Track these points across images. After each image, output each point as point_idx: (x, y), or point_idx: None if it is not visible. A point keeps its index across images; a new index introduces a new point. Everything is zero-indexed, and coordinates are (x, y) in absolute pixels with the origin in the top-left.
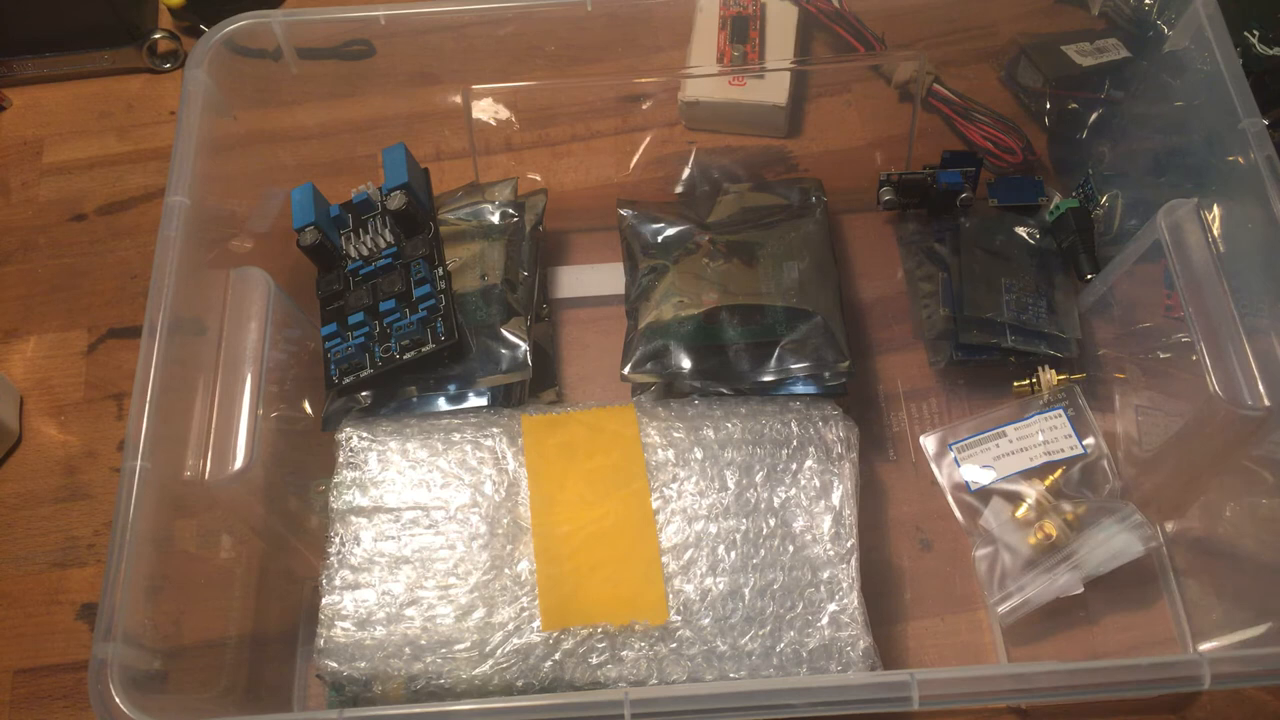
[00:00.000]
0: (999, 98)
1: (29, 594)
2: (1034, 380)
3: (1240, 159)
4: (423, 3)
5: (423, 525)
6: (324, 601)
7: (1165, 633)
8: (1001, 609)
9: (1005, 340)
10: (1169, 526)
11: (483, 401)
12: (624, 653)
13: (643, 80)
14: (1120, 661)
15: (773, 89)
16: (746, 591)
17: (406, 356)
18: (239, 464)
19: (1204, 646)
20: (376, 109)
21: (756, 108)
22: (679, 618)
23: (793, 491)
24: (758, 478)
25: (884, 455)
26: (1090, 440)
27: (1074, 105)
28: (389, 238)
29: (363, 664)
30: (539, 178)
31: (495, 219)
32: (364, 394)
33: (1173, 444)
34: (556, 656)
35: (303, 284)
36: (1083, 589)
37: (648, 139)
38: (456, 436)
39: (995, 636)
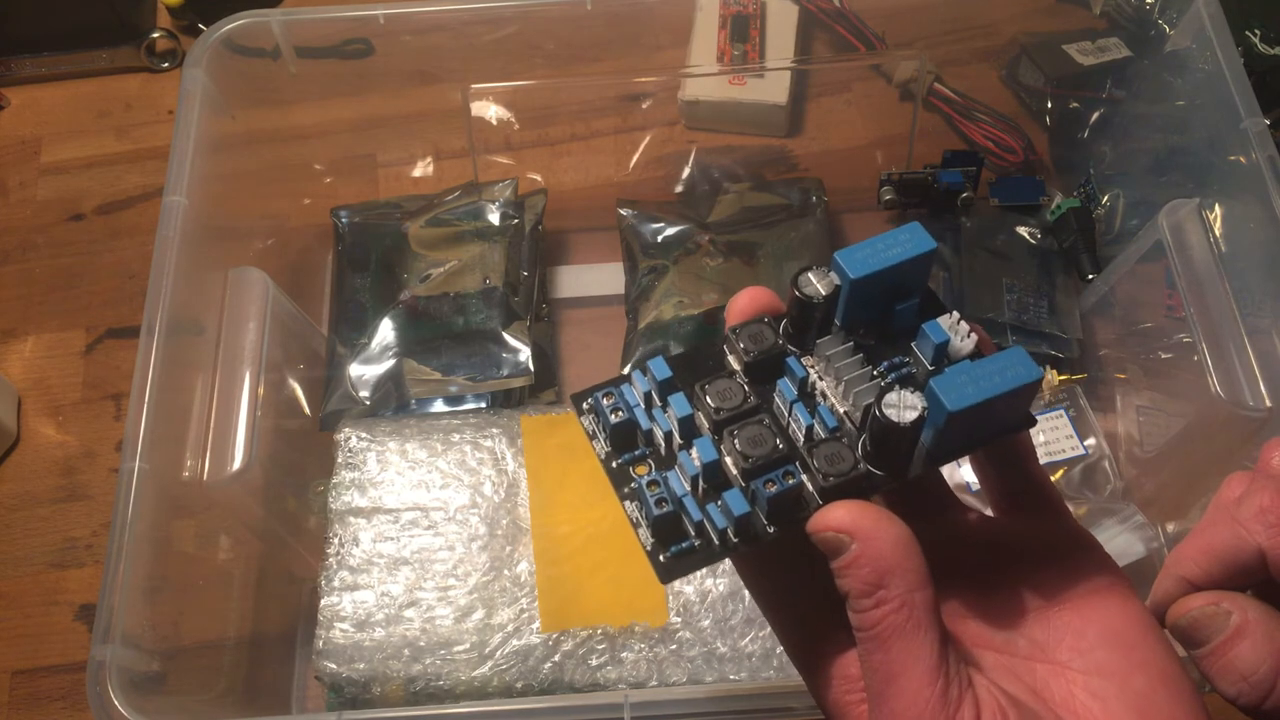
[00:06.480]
0: (1000, 97)
1: (27, 595)
2: None
3: (1242, 159)
4: (422, 2)
5: (422, 526)
6: (323, 603)
7: None
8: None
9: (1006, 341)
10: (1170, 527)
11: (482, 403)
12: (624, 654)
13: (642, 79)
14: None
15: (773, 88)
16: (746, 593)
17: None
18: (237, 464)
19: None
20: (376, 108)
21: (757, 107)
22: (679, 619)
23: None
24: None
25: None
26: (1091, 441)
27: (1075, 105)
28: None
29: (362, 665)
30: (539, 177)
31: (495, 219)
32: (364, 394)
33: (1174, 445)
34: (556, 658)
35: (302, 284)
36: None
37: (648, 138)
38: (456, 437)
39: None
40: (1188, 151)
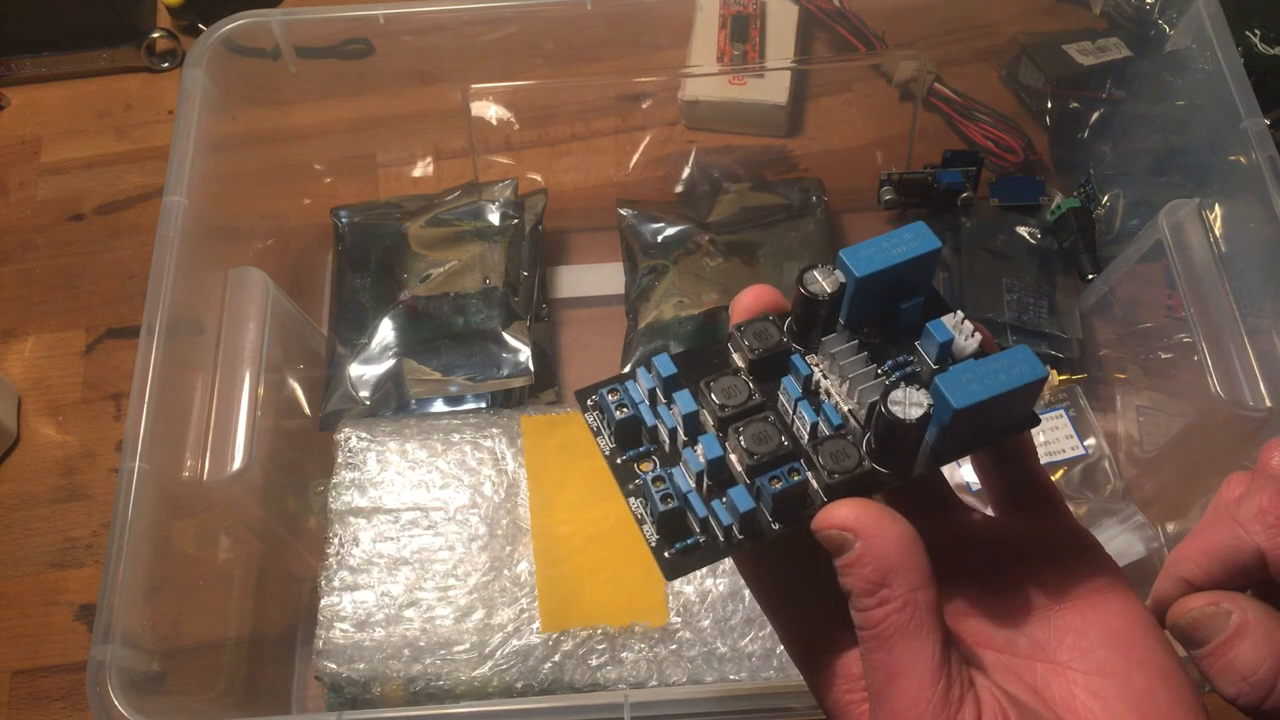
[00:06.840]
0: (1000, 97)
1: (27, 595)
2: None
3: (1242, 159)
4: (422, 2)
5: (422, 526)
6: (323, 603)
7: None
8: None
9: (1006, 341)
10: (1170, 527)
11: (482, 403)
12: (624, 654)
13: (642, 79)
14: None
15: (773, 88)
16: (747, 593)
17: None
18: (237, 464)
19: None
20: (375, 108)
21: (757, 107)
22: (679, 619)
23: None
24: None
25: None
26: (1091, 441)
27: (1075, 105)
28: None
29: (362, 665)
30: (539, 177)
31: (495, 219)
32: (364, 394)
33: (1174, 444)
34: (556, 658)
35: (302, 284)
36: None
37: (648, 138)
38: (456, 437)
39: None
40: (1188, 151)
